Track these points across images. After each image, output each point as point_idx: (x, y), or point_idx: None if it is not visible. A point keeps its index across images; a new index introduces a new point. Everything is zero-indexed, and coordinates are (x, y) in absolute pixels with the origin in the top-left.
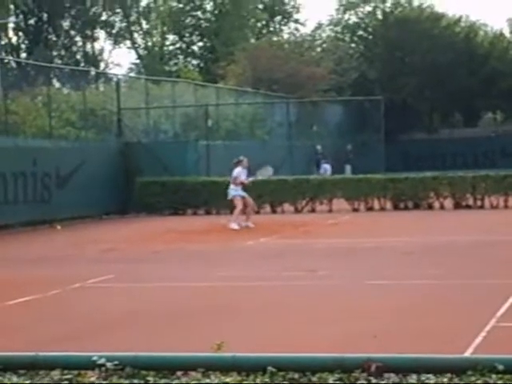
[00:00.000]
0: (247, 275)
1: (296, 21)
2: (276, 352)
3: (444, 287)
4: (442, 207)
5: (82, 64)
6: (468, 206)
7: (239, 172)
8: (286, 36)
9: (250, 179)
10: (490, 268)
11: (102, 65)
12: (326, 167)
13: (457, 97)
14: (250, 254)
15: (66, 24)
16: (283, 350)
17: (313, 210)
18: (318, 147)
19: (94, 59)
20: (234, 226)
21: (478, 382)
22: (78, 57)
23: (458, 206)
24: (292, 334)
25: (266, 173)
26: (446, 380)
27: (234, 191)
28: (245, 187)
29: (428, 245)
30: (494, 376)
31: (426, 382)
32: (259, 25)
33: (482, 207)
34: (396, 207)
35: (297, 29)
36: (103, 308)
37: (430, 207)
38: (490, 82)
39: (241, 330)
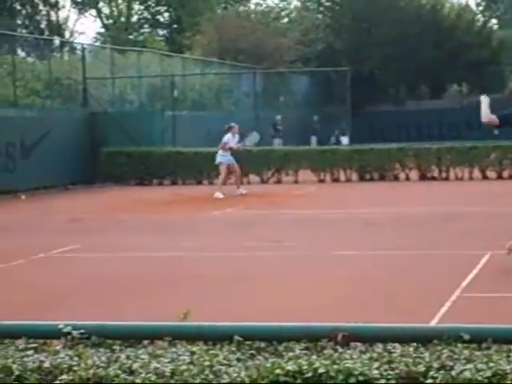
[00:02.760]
0: (212, 245)
1: None
2: (242, 321)
3: (409, 258)
4: (407, 179)
5: (47, 33)
6: (433, 178)
7: (229, 138)
8: (252, 6)
9: (239, 145)
10: (454, 239)
11: (67, 34)
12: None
13: (423, 69)
14: (216, 225)
15: None
16: (250, 320)
17: (279, 181)
18: (278, 117)
19: (58, 28)
20: (219, 195)
21: (444, 351)
22: (43, 26)
23: (423, 177)
24: (258, 303)
25: (253, 139)
26: (411, 349)
27: (222, 157)
28: (233, 153)
29: (393, 216)
30: (459, 345)
31: (392, 351)
32: None
33: (447, 179)
34: (362, 178)
35: None
36: (68, 278)
37: (396, 179)
38: (456, 54)
39: (207, 299)
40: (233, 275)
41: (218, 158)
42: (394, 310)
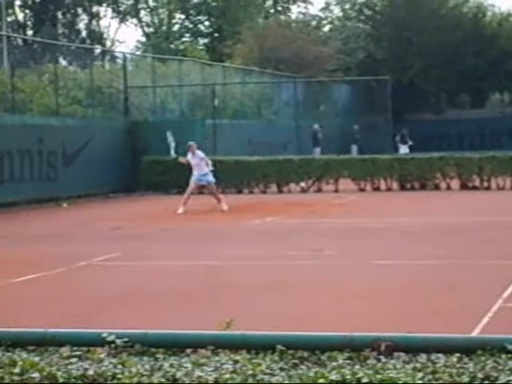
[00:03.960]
0: (254, 254)
1: (304, 0)
2: (285, 330)
3: (451, 268)
4: (448, 188)
5: (88, 42)
6: (474, 187)
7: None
8: (293, 15)
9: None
10: (496, 249)
11: (108, 43)
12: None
13: (464, 77)
14: (257, 234)
15: (71, 1)
16: (292, 329)
17: (319, 190)
18: (316, 126)
19: (99, 37)
20: (181, 210)
21: (488, 361)
22: (84, 35)
23: (464, 186)
24: (300, 312)
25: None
26: (455, 360)
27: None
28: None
29: (434, 225)
30: (503, 356)
31: (436, 361)
32: (267, 4)
33: (488, 188)
34: (402, 187)
35: (305, 8)
36: (110, 286)
37: (437, 188)
38: (498, 62)
39: (249, 308)
40: (274, 284)
41: (211, 178)
42: (436, 320)
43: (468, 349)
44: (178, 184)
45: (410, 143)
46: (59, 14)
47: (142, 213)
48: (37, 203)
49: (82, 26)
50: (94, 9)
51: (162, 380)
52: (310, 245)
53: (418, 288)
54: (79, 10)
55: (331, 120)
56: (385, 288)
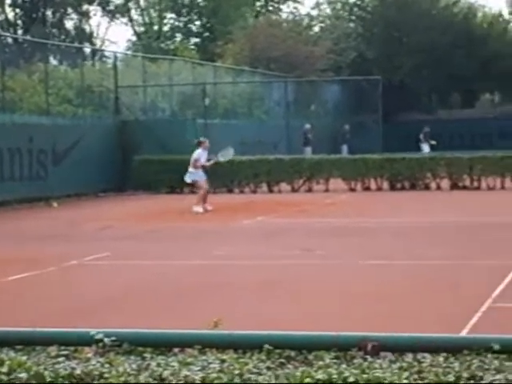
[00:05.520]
0: (244, 254)
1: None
2: (272, 330)
3: (440, 268)
4: (438, 188)
5: (78, 41)
6: (465, 187)
7: (199, 154)
8: (284, 15)
9: (212, 162)
10: (485, 249)
11: (98, 42)
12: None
13: (455, 78)
14: (247, 233)
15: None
16: (280, 328)
17: (309, 190)
18: (307, 126)
19: (89, 36)
20: (199, 209)
21: (474, 361)
22: (73, 34)
23: (454, 186)
24: (288, 312)
25: (227, 154)
26: (441, 359)
27: (193, 175)
28: (206, 170)
29: (424, 225)
30: (489, 356)
31: (422, 361)
32: (258, 4)
33: (478, 188)
34: (393, 187)
35: (295, 8)
36: (99, 285)
37: (427, 188)
38: (489, 63)
39: (237, 307)
40: (263, 283)
41: (191, 177)
42: (424, 320)
43: (454, 348)
44: (169, 184)
45: (433, 142)
46: (49, 13)
47: (132, 212)
48: (27, 202)
49: (71, 25)
50: (84, 7)
51: (149, 379)
52: (301, 244)
53: (407, 288)
54: (69, 9)
55: (322, 120)
56: (373, 288)
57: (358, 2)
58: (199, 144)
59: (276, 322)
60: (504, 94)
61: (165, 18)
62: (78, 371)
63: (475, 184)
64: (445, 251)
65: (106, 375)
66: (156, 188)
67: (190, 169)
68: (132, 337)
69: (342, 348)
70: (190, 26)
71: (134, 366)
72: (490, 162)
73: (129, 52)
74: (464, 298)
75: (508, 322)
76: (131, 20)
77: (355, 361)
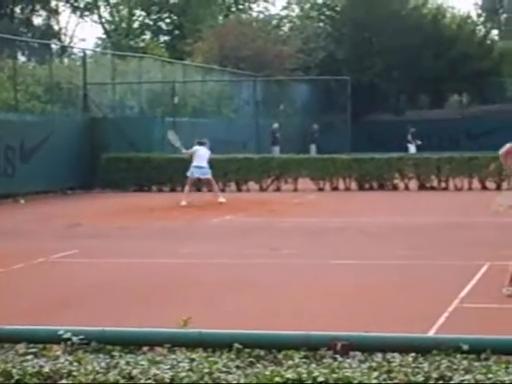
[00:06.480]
0: (211, 252)
1: None
2: (242, 329)
3: (407, 268)
4: (406, 188)
5: (46, 38)
6: (432, 188)
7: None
8: (254, 14)
9: (185, 151)
10: (453, 249)
11: (67, 39)
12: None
13: (424, 78)
14: (215, 232)
15: None
16: (249, 327)
17: (278, 189)
18: (275, 125)
19: (58, 33)
20: (222, 199)
21: (443, 361)
22: (42, 31)
23: (422, 187)
24: (256, 311)
25: (173, 139)
26: (410, 359)
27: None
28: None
29: (392, 225)
30: (458, 356)
31: (391, 360)
32: (228, 2)
33: (446, 189)
34: (361, 187)
35: (265, 8)
36: (67, 283)
37: (395, 188)
38: (457, 64)
39: (206, 306)
40: (231, 282)
41: (208, 173)
42: (392, 320)
43: (423, 348)
44: (137, 182)
45: (419, 142)
46: (17, 9)
47: (100, 210)
48: None
49: (40, 21)
50: (53, 3)
51: (118, 378)
52: (268, 243)
53: (376, 287)
54: (37, 6)
55: (291, 119)
56: (342, 287)
57: (328, 2)
58: (203, 144)
59: (245, 321)
60: (472, 96)
61: (134, 15)
62: (46, 369)
63: (443, 185)
64: (412, 251)
65: (75, 373)
66: (124, 186)
67: (204, 164)
68: (100, 335)
69: (312, 347)
70: (159, 23)
71: (102, 365)
72: (457, 162)
73: (98, 49)
74: (431, 299)
75: (475, 323)
76: (100, 17)
77: (325, 360)
